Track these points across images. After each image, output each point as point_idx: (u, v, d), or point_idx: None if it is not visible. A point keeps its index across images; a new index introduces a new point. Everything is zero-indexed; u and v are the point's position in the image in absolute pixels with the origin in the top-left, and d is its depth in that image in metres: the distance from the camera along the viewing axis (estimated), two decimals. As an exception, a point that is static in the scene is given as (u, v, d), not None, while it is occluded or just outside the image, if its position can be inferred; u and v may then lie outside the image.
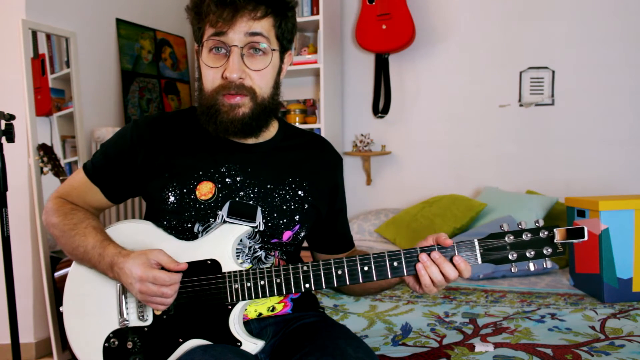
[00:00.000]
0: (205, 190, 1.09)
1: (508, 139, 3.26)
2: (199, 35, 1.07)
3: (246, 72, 1.04)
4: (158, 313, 1.05)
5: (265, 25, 1.04)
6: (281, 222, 1.11)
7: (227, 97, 1.04)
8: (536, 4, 3.17)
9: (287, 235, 1.13)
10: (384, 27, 3.27)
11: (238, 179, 1.11)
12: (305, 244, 1.27)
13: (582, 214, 2.08)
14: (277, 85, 1.11)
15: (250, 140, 1.13)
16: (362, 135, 3.48)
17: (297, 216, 1.13)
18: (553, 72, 3.16)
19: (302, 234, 1.16)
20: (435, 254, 0.99)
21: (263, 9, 1.02)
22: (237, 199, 1.09)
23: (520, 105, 3.23)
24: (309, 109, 3.44)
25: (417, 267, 0.99)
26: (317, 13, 3.22)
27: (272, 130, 1.18)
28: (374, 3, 3.29)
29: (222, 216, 1.08)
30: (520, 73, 3.22)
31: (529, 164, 3.22)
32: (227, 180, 1.10)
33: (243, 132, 1.07)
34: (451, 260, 0.99)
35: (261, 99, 1.06)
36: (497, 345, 1.47)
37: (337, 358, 0.97)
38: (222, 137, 1.12)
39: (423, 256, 0.99)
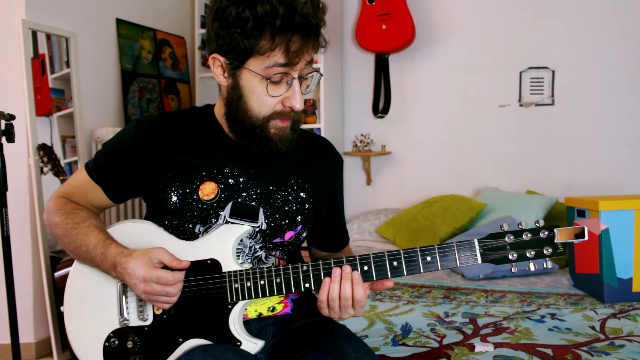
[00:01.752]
0: (208, 190, 1.09)
1: (508, 139, 3.26)
2: (243, 51, 0.99)
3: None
4: (158, 312, 1.05)
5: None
6: (283, 223, 1.11)
7: (281, 122, 1.05)
8: (536, 4, 3.17)
9: (289, 235, 1.13)
10: (384, 27, 3.27)
11: (241, 179, 1.11)
12: (304, 243, 1.27)
13: (582, 214, 2.08)
14: None
15: None
16: (362, 135, 3.48)
17: (299, 217, 1.13)
18: (553, 72, 3.16)
19: (304, 234, 1.16)
20: (347, 268, 0.99)
21: (322, 36, 1.03)
22: (239, 200, 1.09)
23: (520, 105, 3.24)
24: (309, 109, 3.44)
25: (324, 281, 1.00)
26: (317, 13, 3.22)
27: None
28: (374, 3, 3.29)
29: (225, 217, 1.08)
30: (520, 73, 3.22)
31: (529, 164, 3.22)
32: (230, 180, 1.10)
33: (287, 148, 1.09)
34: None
35: (300, 115, 1.10)
36: (497, 345, 1.47)
37: (337, 358, 0.97)
38: (225, 138, 1.12)
39: (336, 270, 1.00)
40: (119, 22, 2.94)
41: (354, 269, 1.00)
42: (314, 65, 3.12)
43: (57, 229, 1.12)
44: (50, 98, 2.43)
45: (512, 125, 3.25)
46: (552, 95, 3.17)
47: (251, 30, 0.96)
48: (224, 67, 1.04)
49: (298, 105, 1.03)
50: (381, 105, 3.49)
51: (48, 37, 2.42)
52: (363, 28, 3.34)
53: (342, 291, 0.99)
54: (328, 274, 1.01)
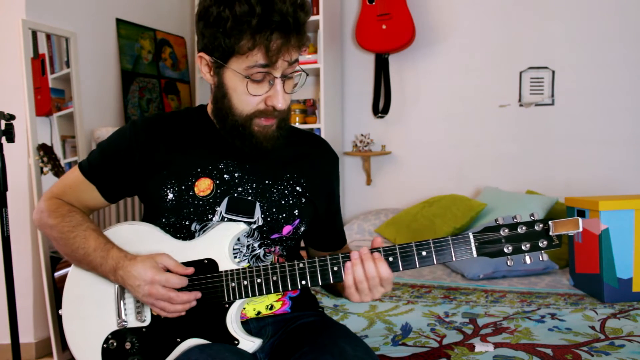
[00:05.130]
0: (203, 186, 1.10)
1: (508, 138, 3.26)
2: (225, 50, 1.00)
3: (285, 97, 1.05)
4: (156, 313, 1.05)
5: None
6: (281, 216, 1.11)
7: (264, 120, 1.05)
8: (536, 3, 3.17)
9: (287, 229, 1.13)
10: (384, 27, 3.27)
11: (236, 174, 1.11)
12: (303, 243, 1.27)
13: (582, 214, 2.08)
14: None
15: None
16: (362, 135, 3.48)
17: (297, 211, 1.13)
18: (553, 72, 3.16)
19: (302, 228, 1.16)
20: (364, 249, 0.99)
21: (305, 36, 1.03)
22: (235, 195, 1.10)
23: (520, 105, 3.23)
24: (309, 109, 3.44)
25: (345, 265, 0.99)
26: (317, 13, 3.22)
27: None
28: (374, 3, 3.29)
29: (221, 212, 1.09)
30: (520, 73, 3.22)
31: (529, 164, 3.22)
32: (225, 176, 1.11)
33: (273, 146, 1.09)
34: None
35: (286, 114, 1.09)
36: (497, 345, 1.47)
37: (335, 357, 0.97)
38: (218, 135, 1.12)
39: (354, 253, 1.00)
40: (119, 22, 2.94)
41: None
42: (316, 65, 3.15)
43: (53, 231, 1.12)
44: (50, 98, 2.44)
45: (512, 125, 3.25)
46: (552, 95, 3.16)
47: (231, 30, 0.97)
48: (209, 66, 1.06)
49: (280, 104, 1.02)
50: (381, 105, 3.49)
51: (48, 37, 2.42)
52: (363, 28, 3.34)
53: (366, 271, 0.98)
54: (324, 271, 1.01)
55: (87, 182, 1.16)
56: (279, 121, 1.07)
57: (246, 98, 1.03)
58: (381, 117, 3.49)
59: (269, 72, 1.00)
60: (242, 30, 0.96)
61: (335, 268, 1.01)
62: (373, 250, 1.00)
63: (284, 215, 1.12)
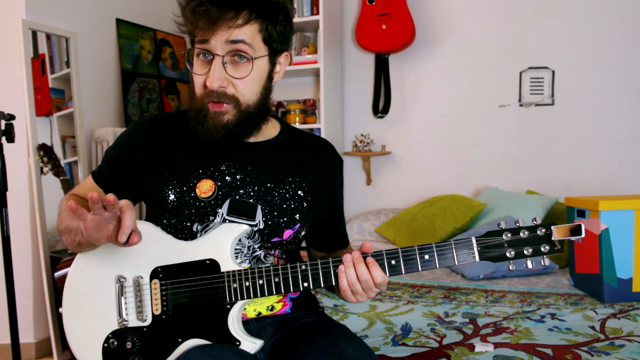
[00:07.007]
0: (205, 188, 1.10)
1: (508, 139, 3.26)
2: (191, 40, 1.08)
3: (228, 80, 1.03)
4: (157, 312, 1.05)
5: (248, 32, 1.02)
6: (281, 220, 1.11)
7: (212, 105, 1.05)
8: (536, 4, 3.17)
9: (287, 233, 1.13)
10: (384, 27, 3.27)
11: (238, 177, 1.11)
12: (303, 244, 1.27)
13: (582, 214, 2.08)
14: (266, 91, 1.10)
15: (251, 139, 1.14)
16: (362, 135, 3.48)
17: (298, 215, 1.13)
18: (553, 72, 3.16)
19: (303, 232, 1.16)
20: (355, 253, 1.00)
21: (246, 15, 1.00)
22: (237, 197, 1.10)
23: (520, 105, 3.23)
24: (309, 109, 3.44)
25: (338, 269, 1.00)
26: (317, 13, 3.22)
27: (274, 130, 1.18)
28: (374, 3, 3.29)
29: (222, 214, 1.09)
30: (520, 73, 3.22)
31: (529, 164, 3.22)
32: (227, 178, 1.11)
33: (227, 138, 1.07)
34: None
35: (245, 107, 1.06)
36: (497, 345, 1.47)
37: (336, 357, 0.97)
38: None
39: (347, 256, 1.00)
40: (119, 22, 2.94)
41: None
42: (316, 65, 3.15)
43: (59, 218, 1.11)
44: (50, 98, 2.43)
45: (512, 125, 3.25)
46: (552, 95, 3.17)
47: (184, 15, 1.05)
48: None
49: (209, 83, 1.02)
50: (381, 105, 3.49)
51: (48, 37, 2.42)
52: (363, 28, 3.34)
53: (358, 274, 0.99)
54: (326, 273, 1.01)
55: (99, 189, 1.18)
56: (238, 115, 1.05)
57: (195, 78, 1.06)
58: (381, 117, 3.49)
59: (207, 49, 1.02)
60: (185, 12, 1.04)
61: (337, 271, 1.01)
62: (365, 255, 1.01)
63: (285, 219, 1.11)
